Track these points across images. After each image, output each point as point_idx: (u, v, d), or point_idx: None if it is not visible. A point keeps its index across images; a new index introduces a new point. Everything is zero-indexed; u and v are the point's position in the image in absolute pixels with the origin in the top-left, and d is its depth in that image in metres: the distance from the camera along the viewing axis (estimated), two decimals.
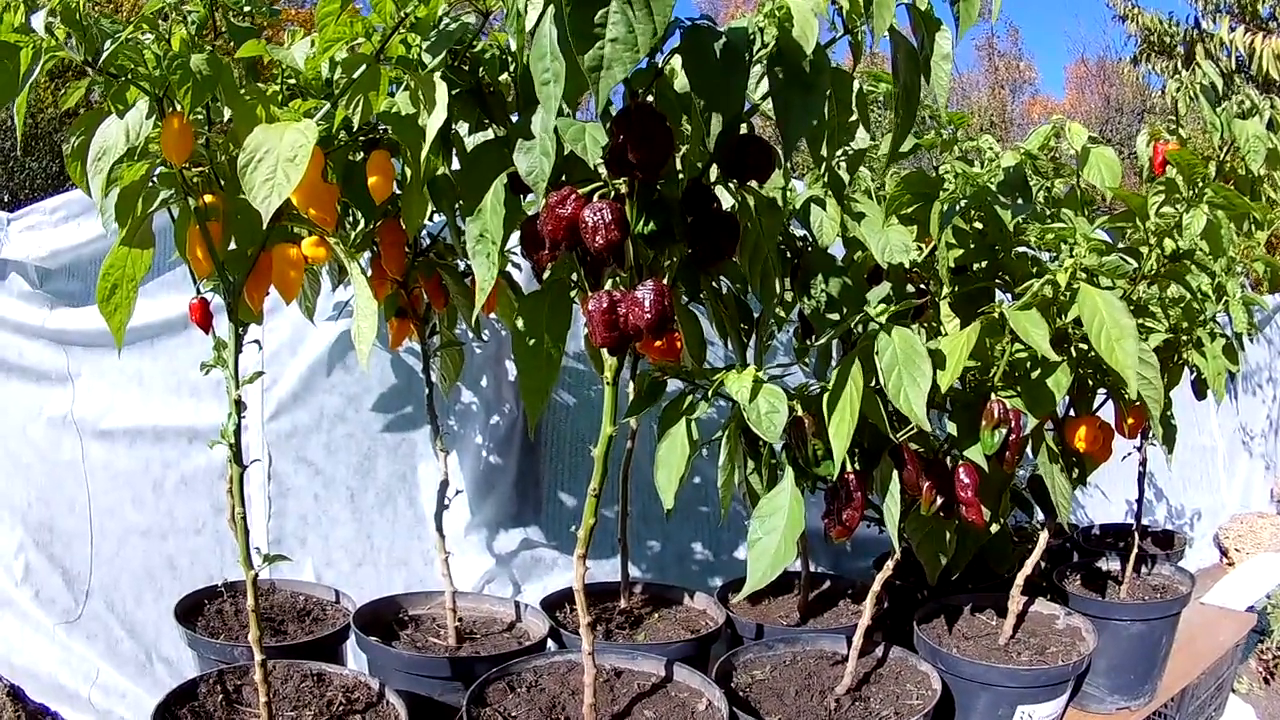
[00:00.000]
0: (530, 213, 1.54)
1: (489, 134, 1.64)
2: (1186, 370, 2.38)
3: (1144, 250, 2.10)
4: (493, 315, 2.52)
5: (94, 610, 2.67)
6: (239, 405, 1.60)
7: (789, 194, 2.12)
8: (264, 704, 1.63)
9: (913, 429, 1.79)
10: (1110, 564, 2.77)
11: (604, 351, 1.49)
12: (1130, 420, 2.23)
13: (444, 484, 2.16)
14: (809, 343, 2.19)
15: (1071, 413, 2.18)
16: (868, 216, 2.04)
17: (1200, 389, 2.45)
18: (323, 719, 1.75)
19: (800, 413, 1.73)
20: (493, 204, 1.43)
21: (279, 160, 1.40)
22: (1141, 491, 2.76)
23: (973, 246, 2.12)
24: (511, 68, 1.61)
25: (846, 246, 2.21)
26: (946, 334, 1.99)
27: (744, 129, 1.48)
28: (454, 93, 1.56)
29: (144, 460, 2.67)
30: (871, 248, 2.01)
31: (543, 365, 1.58)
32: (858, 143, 1.96)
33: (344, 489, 2.69)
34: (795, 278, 2.12)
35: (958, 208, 2.05)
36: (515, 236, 1.58)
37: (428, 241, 2.12)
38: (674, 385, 1.82)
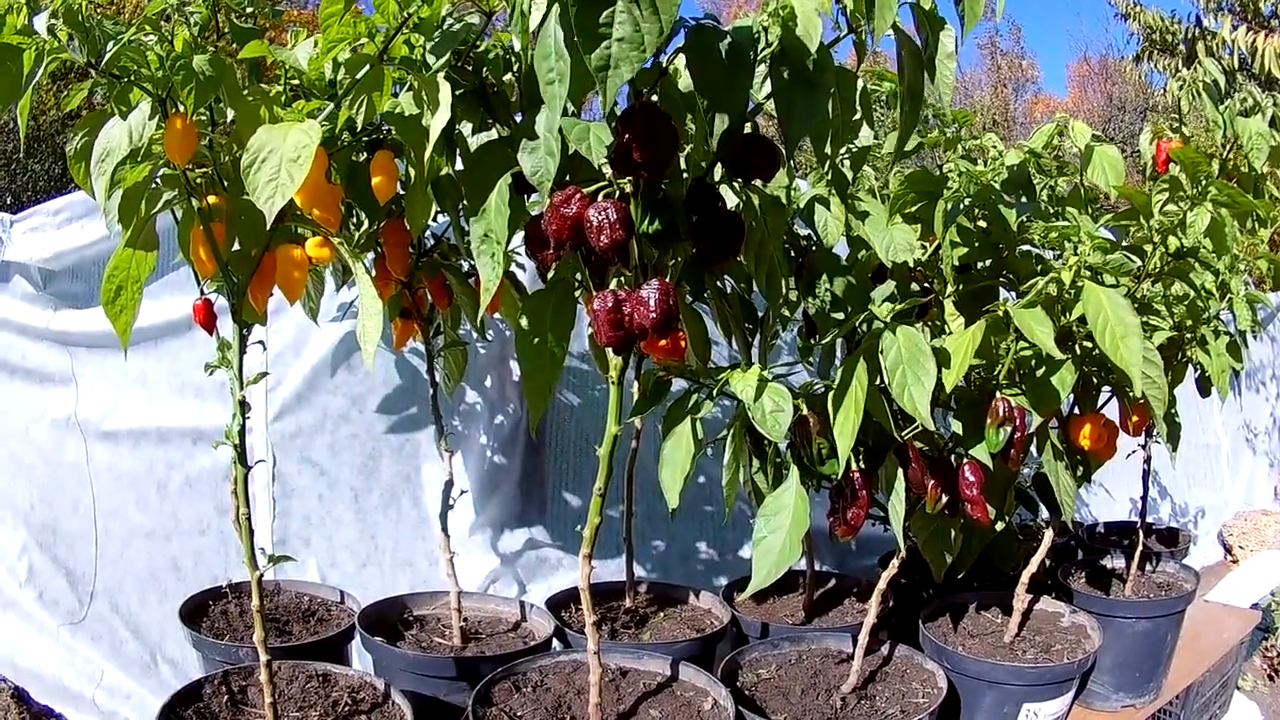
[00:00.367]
0: (535, 213, 1.54)
1: (493, 134, 1.64)
2: (1191, 368, 2.37)
3: (1148, 248, 2.10)
4: (497, 315, 2.52)
5: (98, 611, 2.67)
6: (243, 406, 1.60)
7: (793, 193, 2.12)
8: (269, 704, 1.63)
9: (917, 427, 1.79)
10: (1115, 562, 2.76)
11: (609, 351, 1.49)
12: (1135, 418, 2.23)
13: (449, 484, 2.16)
14: (813, 342, 2.19)
15: (1076, 411, 2.18)
16: (872, 215, 2.04)
17: (1204, 387, 2.45)
18: (328, 719, 1.75)
19: (805, 411, 1.73)
20: (497, 204, 1.43)
21: (282, 161, 1.40)
22: (1146, 489, 2.76)
23: (977, 245, 2.11)
24: (515, 68, 1.61)
25: (851, 245, 2.21)
26: (951, 333, 1.99)
27: (748, 128, 1.48)
28: (457, 93, 1.55)
29: (148, 461, 2.67)
30: (875, 246, 2.01)
31: (546, 365, 1.58)
32: (861, 141, 1.96)
33: (348, 490, 2.69)
34: (800, 277, 2.12)
35: (961, 206, 2.04)
36: (519, 236, 1.58)
37: (432, 242, 2.12)
38: (679, 385, 1.82)
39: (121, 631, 2.65)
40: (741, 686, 1.98)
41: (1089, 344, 1.94)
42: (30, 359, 2.76)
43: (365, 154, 1.73)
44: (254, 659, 1.67)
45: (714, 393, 1.66)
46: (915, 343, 1.64)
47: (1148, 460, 2.69)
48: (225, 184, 1.59)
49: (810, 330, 2.24)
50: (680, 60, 1.37)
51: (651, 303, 1.35)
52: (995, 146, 2.23)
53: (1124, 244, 2.15)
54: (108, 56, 1.42)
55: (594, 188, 1.37)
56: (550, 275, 1.61)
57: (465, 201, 1.67)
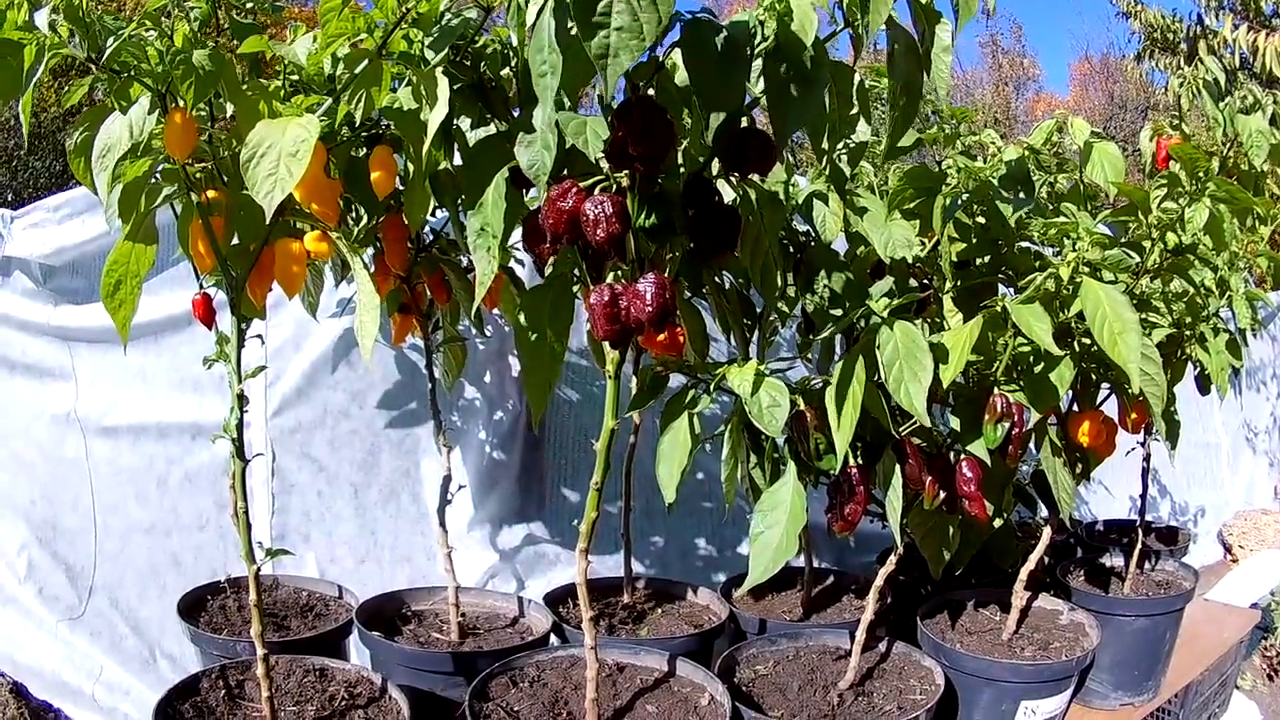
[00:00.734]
0: (533, 208, 1.54)
1: (491, 129, 1.65)
2: (1190, 365, 2.37)
3: (1146, 245, 2.10)
4: (496, 311, 2.52)
5: (97, 607, 2.67)
6: (241, 399, 1.61)
7: (792, 189, 2.12)
8: (266, 699, 1.64)
9: (915, 423, 1.79)
10: (1114, 560, 2.76)
11: (605, 345, 1.49)
12: (1134, 415, 2.23)
13: (447, 479, 2.17)
14: (812, 338, 2.19)
15: (1075, 407, 2.18)
16: (870, 211, 2.04)
17: (1204, 384, 2.45)
18: (325, 714, 1.75)
19: (802, 407, 1.73)
20: (494, 198, 1.43)
21: (281, 155, 1.41)
22: (1145, 487, 2.76)
23: (975, 241, 2.12)
24: (513, 62, 1.61)
25: (849, 241, 2.21)
26: (950, 328, 1.99)
27: (746, 122, 1.48)
28: (455, 88, 1.56)
29: (147, 457, 2.67)
30: (874, 242, 2.01)
31: (546, 361, 1.58)
32: (859, 136, 1.96)
33: (347, 485, 2.69)
34: (798, 273, 2.12)
35: (960, 202, 2.05)
36: (518, 232, 1.58)
37: (431, 237, 2.12)
38: (678, 380, 1.82)
39: (121, 627, 2.65)
40: (739, 683, 1.98)
41: (1088, 340, 1.94)
42: (30, 354, 2.76)
43: (364, 149, 1.73)
44: (251, 653, 1.67)
45: (711, 388, 1.67)
46: (912, 338, 1.64)
47: (1147, 458, 2.69)
48: (225, 178, 1.59)
49: (809, 326, 2.25)
50: (678, 54, 1.37)
51: (648, 296, 1.35)
52: (994, 143, 2.23)
53: (1123, 240, 2.16)
54: (108, 52, 1.42)
55: (590, 181, 1.37)
56: (548, 270, 1.62)
57: (463, 196, 1.67)
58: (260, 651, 1.63)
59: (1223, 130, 2.34)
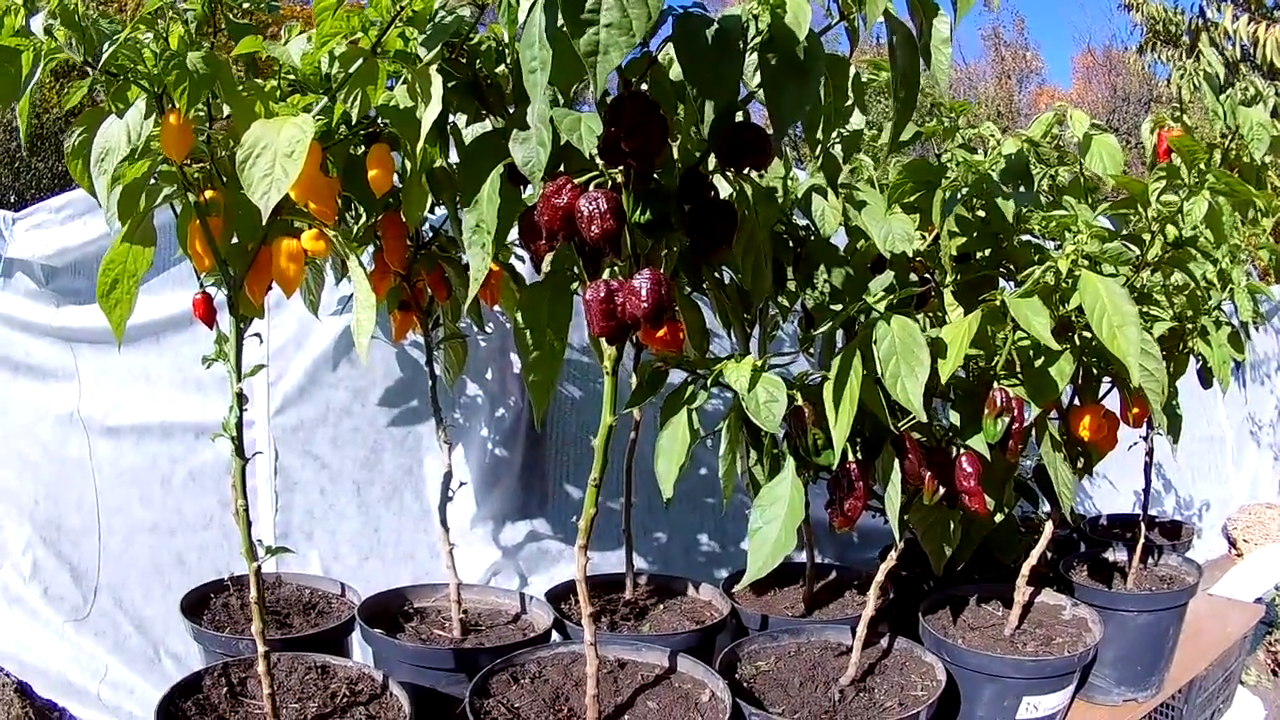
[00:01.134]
0: (530, 204, 1.54)
1: (487, 126, 1.65)
2: (1192, 359, 2.37)
3: (1146, 238, 2.09)
4: (497, 308, 2.52)
5: (102, 607, 2.68)
6: (240, 398, 1.61)
7: (791, 183, 2.12)
8: (267, 696, 1.64)
9: (914, 418, 1.79)
10: (1117, 554, 2.76)
11: (603, 341, 1.49)
12: (1135, 410, 2.22)
13: (447, 476, 2.17)
14: (811, 332, 2.19)
15: (1076, 401, 2.17)
16: (870, 205, 2.03)
17: (1206, 378, 2.44)
18: (326, 711, 1.76)
19: (800, 402, 1.73)
20: (489, 195, 1.43)
21: (277, 155, 1.41)
22: (1148, 482, 2.75)
23: (975, 235, 2.11)
24: (508, 59, 1.61)
25: (849, 235, 2.20)
26: (950, 323, 1.98)
27: (742, 116, 1.48)
28: (450, 85, 1.56)
29: (151, 456, 2.68)
30: (874, 236, 2.01)
31: (546, 358, 1.58)
32: (853, 126, 1.95)
33: (350, 483, 2.70)
34: (798, 267, 2.11)
35: (959, 195, 2.04)
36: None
37: (430, 234, 2.13)
38: (679, 376, 1.82)
39: (125, 626, 2.67)
40: (740, 679, 1.98)
41: (1088, 334, 1.93)
42: (34, 355, 2.78)
43: (363, 147, 1.73)
44: (253, 651, 1.67)
45: (708, 383, 1.66)
46: (909, 333, 1.63)
47: (1150, 453, 2.68)
48: (224, 179, 1.60)
49: (810, 321, 2.24)
50: (671, 49, 1.37)
51: (643, 292, 1.35)
52: (993, 135, 2.22)
53: (1123, 233, 2.15)
54: (105, 55, 1.43)
55: (585, 178, 1.37)
56: (546, 267, 1.62)
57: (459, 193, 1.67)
58: (261, 649, 1.63)
59: (1223, 122, 2.33)
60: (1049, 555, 2.54)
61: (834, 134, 1.77)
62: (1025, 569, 2.26)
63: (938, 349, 1.74)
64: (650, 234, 1.40)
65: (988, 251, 2.16)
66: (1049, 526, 2.26)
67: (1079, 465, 2.20)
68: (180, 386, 2.68)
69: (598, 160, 1.37)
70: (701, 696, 1.83)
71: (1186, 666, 2.64)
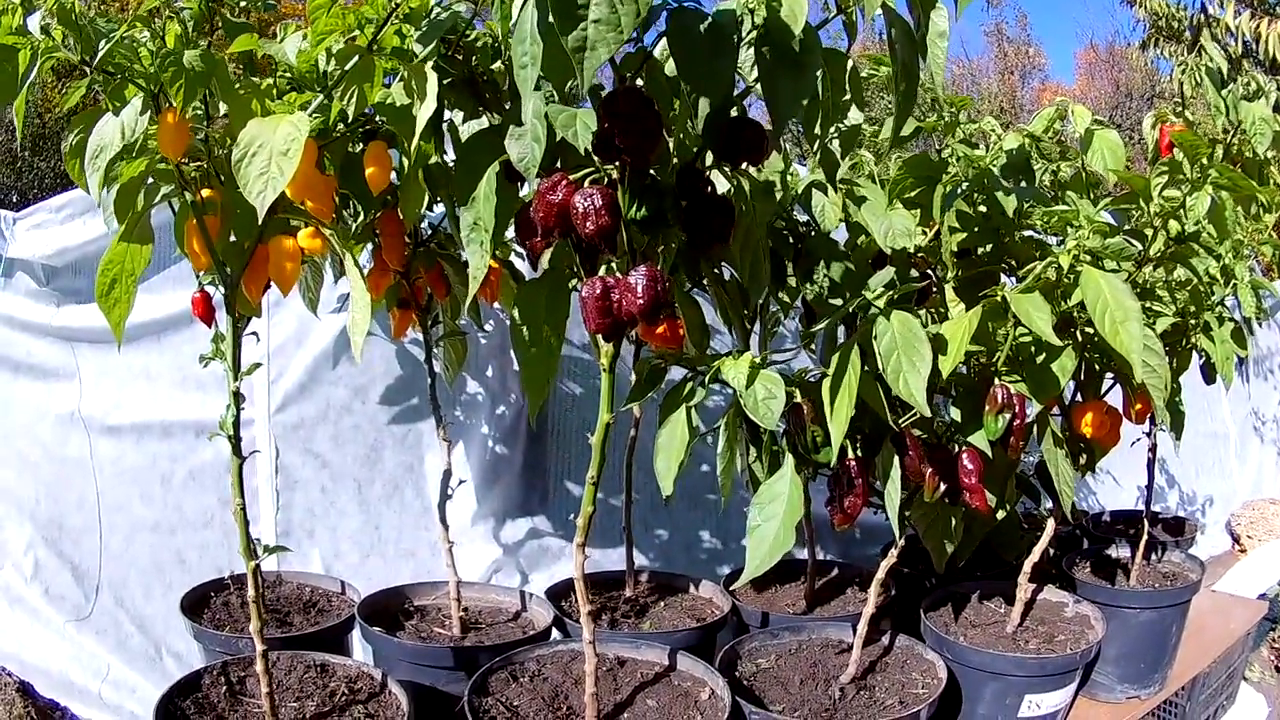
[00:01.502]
0: (528, 201, 1.53)
1: (484, 123, 1.64)
2: (1195, 354, 2.35)
3: (1148, 233, 2.08)
4: (497, 305, 2.52)
5: (103, 606, 2.68)
6: (238, 397, 1.61)
7: (791, 178, 2.11)
8: (266, 694, 1.64)
9: (915, 415, 1.78)
10: (1120, 551, 2.75)
11: (600, 338, 1.48)
12: (1138, 406, 2.21)
13: (447, 474, 2.16)
14: (812, 329, 2.18)
15: (1079, 398, 2.16)
16: (870, 200, 2.02)
17: (1209, 373, 2.43)
18: (325, 709, 1.75)
19: (799, 399, 1.72)
20: (485, 192, 1.43)
21: (272, 154, 1.40)
22: (1151, 478, 2.74)
23: (976, 230, 2.10)
24: (505, 56, 1.61)
25: (850, 231, 2.20)
26: (952, 318, 1.97)
27: (739, 111, 1.47)
28: (446, 82, 1.55)
29: (152, 455, 2.68)
30: (874, 232, 2.00)
31: (543, 355, 1.58)
32: (851, 120, 1.94)
33: (351, 481, 2.70)
34: (798, 263, 2.11)
35: (960, 190, 2.03)
36: None
37: (429, 232, 2.12)
38: (680, 373, 1.81)
39: (127, 625, 2.67)
40: (740, 676, 1.97)
41: (1090, 330, 1.92)
42: (34, 355, 2.77)
43: (360, 145, 1.73)
44: (253, 649, 1.67)
45: (707, 380, 1.66)
46: (910, 328, 1.63)
47: (1153, 449, 2.67)
48: (222, 178, 1.59)
49: (810, 317, 2.24)
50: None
51: (639, 289, 1.35)
52: (994, 130, 2.21)
53: (1125, 229, 2.14)
54: (101, 54, 1.42)
55: (581, 174, 1.37)
56: (543, 263, 1.61)
57: (456, 190, 1.67)
58: (260, 648, 1.63)
59: (1226, 117, 2.32)
60: (1051, 552, 2.53)
61: (832, 129, 1.75)
62: (1027, 566, 2.25)
63: (939, 345, 1.73)
64: (646, 230, 1.40)
65: (989, 247, 2.15)
66: (1051, 524, 2.25)
67: (1081, 462, 2.19)
68: (181, 385, 2.68)
69: (594, 156, 1.36)
70: (701, 694, 1.82)
71: (1190, 663, 2.63)
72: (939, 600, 2.36)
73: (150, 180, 1.59)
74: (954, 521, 2.10)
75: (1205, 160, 1.97)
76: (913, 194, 2.09)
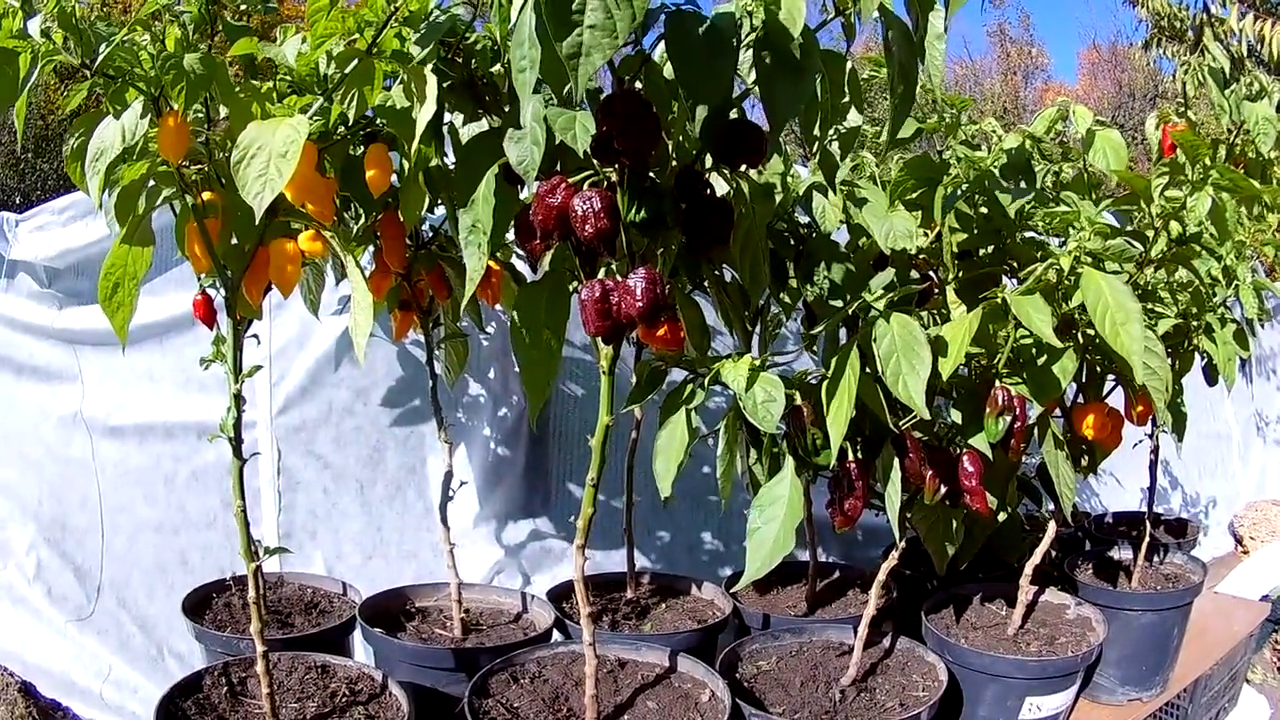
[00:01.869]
0: (528, 204, 1.53)
1: (484, 125, 1.64)
2: (1197, 356, 2.35)
3: (1150, 234, 2.07)
4: (498, 307, 2.52)
5: (106, 606, 2.69)
6: (239, 400, 1.61)
7: (792, 180, 2.11)
8: (266, 695, 1.64)
9: (915, 417, 1.78)
10: (1122, 553, 2.74)
11: (599, 340, 1.49)
12: (1140, 408, 2.20)
13: (448, 475, 2.17)
14: (812, 331, 2.18)
15: (1080, 399, 2.16)
16: (871, 202, 2.02)
17: (1211, 375, 2.42)
18: (325, 710, 1.76)
19: (799, 401, 1.72)
20: (484, 194, 1.43)
21: (271, 156, 1.40)
22: (1153, 480, 2.73)
23: (977, 231, 2.10)
24: (504, 59, 1.61)
25: (851, 233, 2.20)
26: (953, 320, 1.97)
27: (739, 113, 1.47)
28: (446, 85, 1.55)
29: (155, 456, 2.68)
30: (875, 234, 2.00)
31: (543, 358, 1.58)
32: (850, 122, 1.94)
33: (353, 482, 2.70)
34: (799, 264, 2.11)
35: (961, 192, 2.03)
36: None
37: (430, 234, 2.12)
38: (680, 374, 1.81)
39: (129, 626, 2.67)
40: (741, 678, 1.97)
41: (1091, 331, 1.92)
42: (37, 357, 2.78)
43: (361, 148, 1.73)
44: (254, 650, 1.67)
45: (705, 383, 1.66)
46: (909, 330, 1.63)
47: (1155, 450, 2.66)
48: (223, 181, 1.59)
49: (812, 319, 2.23)
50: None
51: (638, 291, 1.35)
52: (995, 131, 2.21)
53: (1126, 230, 2.13)
54: (101, 57, 1.43)
55: (580, 177, 1.37)
56: (543, 266, 1.61)
57: (455, 193, 1.67)
58: (260, 648, 1.63)
59: (1229, 118, 2.31)
60: (1053, 554, 2.53)
61: (831, 131, 1.76)
62: (1028, 568, 2.25)
63: (939, 347, 1.73)
64: (646, 233, 1.40)
65: (990, 248, 2.15)
66: (1052, 526, 2.25)
67: (1083, 464, 2.19)
68: (183, 386, 2.69)
69: (593, 159, 1.36)
70: (701, 696, 1.82)
71: (1191, 665, 2.62)
72: (940, 602, 2.35)
73: (151, 183, 1.60)
74: (955, 524, 2.10)
75: (1206, 161, 1.97)
76: (914, 195, 2.08)
